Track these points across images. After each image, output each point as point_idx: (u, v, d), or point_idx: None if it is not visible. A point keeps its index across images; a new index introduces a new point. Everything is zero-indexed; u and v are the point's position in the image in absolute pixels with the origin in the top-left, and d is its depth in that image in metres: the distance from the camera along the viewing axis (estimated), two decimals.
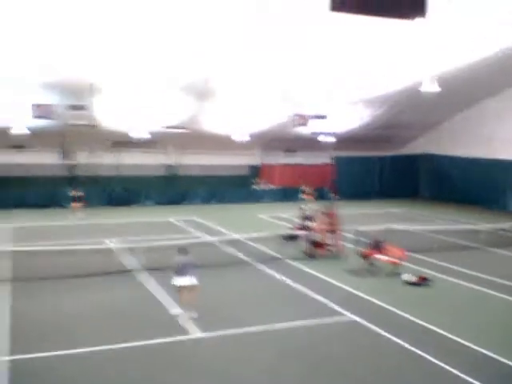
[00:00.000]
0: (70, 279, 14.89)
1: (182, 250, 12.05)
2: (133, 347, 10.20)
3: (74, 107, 28.03)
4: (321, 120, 31.28)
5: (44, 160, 34.38)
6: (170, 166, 37.72)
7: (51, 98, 27.62)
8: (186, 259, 11.88)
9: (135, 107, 29.77)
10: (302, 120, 31.18)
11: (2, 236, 21.62)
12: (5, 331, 10.92)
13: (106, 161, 35.80)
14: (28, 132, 30.21)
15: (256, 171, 39.81)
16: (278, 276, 15.79)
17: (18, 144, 32.38)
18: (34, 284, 14.42)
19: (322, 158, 38.87)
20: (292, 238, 19.77)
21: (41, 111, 27.31)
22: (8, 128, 29.76)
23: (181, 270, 11.75)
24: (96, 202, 32.00)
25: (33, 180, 33.24)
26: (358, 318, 11.94)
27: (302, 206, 22.43)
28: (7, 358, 9.55)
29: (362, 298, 13.69)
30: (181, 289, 11.81)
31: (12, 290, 13.90)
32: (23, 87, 26.59)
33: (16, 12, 20.33)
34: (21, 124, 29.73)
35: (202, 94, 29.38)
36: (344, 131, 36.02)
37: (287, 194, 36.55)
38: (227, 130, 34.08)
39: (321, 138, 35.29)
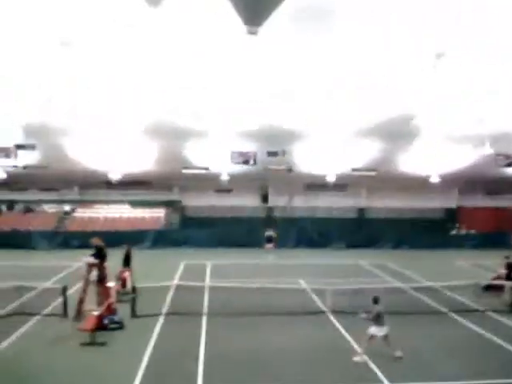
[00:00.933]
0: (262, 316, 15.57)
1: (377, 299, 12.13)
2: None
3: (273, 153, 30.04)
4: None
5: (244, 202, 37.26)
6: (360, 209, 37.62)
7: (251, 145, 30.05)
8: (381, 308, 11.92)
9: (328, 150, 30.70)
10: (508, 160, 28.57)
11: (202, 272, 23.78)
12: (199, 361, 11.86)
13: (300, 203, 37.31)
14: (230, 177, 33.24)
15: (453, 215, 37.35)
16: (476, 329, 14.43)
17: (223, 188, 35.76)
18: (228, 319, 15.34)
19: None
20: (494, 288, 17.96)
21: (240, 158, 29.88)
22: (216, 174, 33.17)
23: (377, 319, 11.78)
24: (290, 243, 33.27)
25: (234, 221, 36.08)
26: None
27: (508, 255, 20.26)
28: None
29: None
30: (373, 337, 11.80)
31: (207, 323, 15.01)
32: (225, 136, 29.52)
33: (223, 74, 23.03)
34: (224, 170, 32.85)
35: (395, 134, 29.00)
36: None
37: (490, 240, 33.38)
38: (421, 170, 32.87)
39: None
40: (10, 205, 37.35)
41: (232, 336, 13.82)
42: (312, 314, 15.96)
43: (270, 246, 30.01)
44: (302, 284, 20.10)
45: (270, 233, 30.56)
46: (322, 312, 16.14)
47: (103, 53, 24.10)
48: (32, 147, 30.59)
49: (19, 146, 30.85)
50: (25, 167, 32.59)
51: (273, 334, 14.06)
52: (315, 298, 17.78)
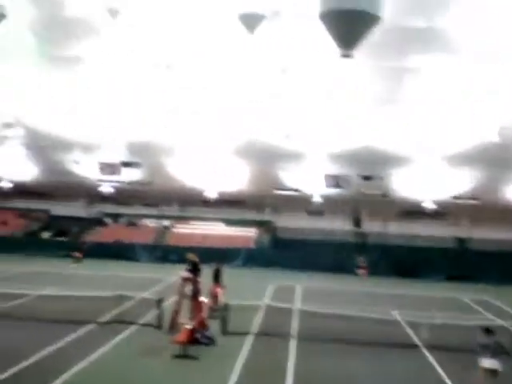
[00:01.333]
0: (352, 345, 15.14)
1: (489, 330, 11.28)
2: None
3: (368, 177, 29.56)
4: None
5: (336, 226, 36.75)
6: (460, 239, 35.67)
7: (344, 169, 29.83)
8: (492, 340, 11.09)
9: (427, 175, 29.70)
10: None
11: (291, 294, 23.70)
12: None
13: (395, 230, 36.13)
14: (322, 199, 33.12)
15: None
16: None
17: (315, 210, 35.64)
18: (317, 344, 15.06)
19: None
20: None
21: (333, 180, 29.73)
22: (308, 195, 33.21)
23: (486, 351, 10.96)
24: (383, 271, 32.10)
25: (325, 244, 35.57)
26: None
27: None
28: None
29: None
30: (485, 372, 10.93)
31: (296, 346, 14.84)
32: (319, 158, 29.55)
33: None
34: (317, 192, 32.83)
35: (501, 160, 27.44)
36: None
37: None
38: None
39: None
40: (115, 218, 39.78)
41: (320, 362, 13.59)
42: (405, 347, 15.30)
43: (362, 272, 29.31)
44: (395, 315, 19.37)
45: (362, 259, 29.90)
46: (416, 346, 15.43)
47: (202, 77, 25.31)
48: (137, 165, 32.65)
49: (125, 164, 33.06)
50: (129, 183, 34.73)
51: (362, 364, 13.63)
52: (409, 330, 17.04)
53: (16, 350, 12.62)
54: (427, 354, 14.70)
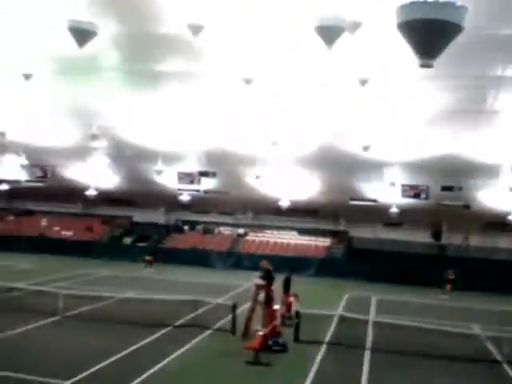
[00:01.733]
0: (428, 359, 14.60)
1: None
2: None
3: (448, 188, 28.51)
4: None
5: (414, 238, 35.59)
6: None
7: (423, 179, 28.94)
8: None
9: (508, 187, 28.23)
10: None
11: (366, 305, 23.31)
12: None
13: (478, 243, 34.48)
14: (399, 210, 32.25)
15: None
16: None
17: (392, 221, 34.77)
18: (391, 357, 14.65)
19: None
20: None
21: (411, 191, 28.91)
22: (385, 206, 32.50)
23: None
24: (466, 285, 30.42)
25: (402, 256, 34.44)
26: None
27: None
28: None
29: None
30: None
31: (370, 358, 14.55)
32: (395, 168, 28.86)
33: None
34: (394, 203, 32.05)
35: None
36: None
37: None
38: None
39: None
40: (192, 225, 40.97)
41: (395, 375, 13.29)
42: (485, 362, 14.62)
43: (449, 286, 28.18)
44: (476, 329, 18.52)
45: (447, 273, 28.63)
46: (497, 361, 14.68)
47: (280, 89, 25.60)
48: (213, 174, 33.55)
49: (202, 173, 34.07)
50: (206, 192, 35.69)
51: (440, 379, 13.20)
52: (490, 346, 16.23)
53: (99, 350, 13.40)
54: (508, 369, 13.98)
